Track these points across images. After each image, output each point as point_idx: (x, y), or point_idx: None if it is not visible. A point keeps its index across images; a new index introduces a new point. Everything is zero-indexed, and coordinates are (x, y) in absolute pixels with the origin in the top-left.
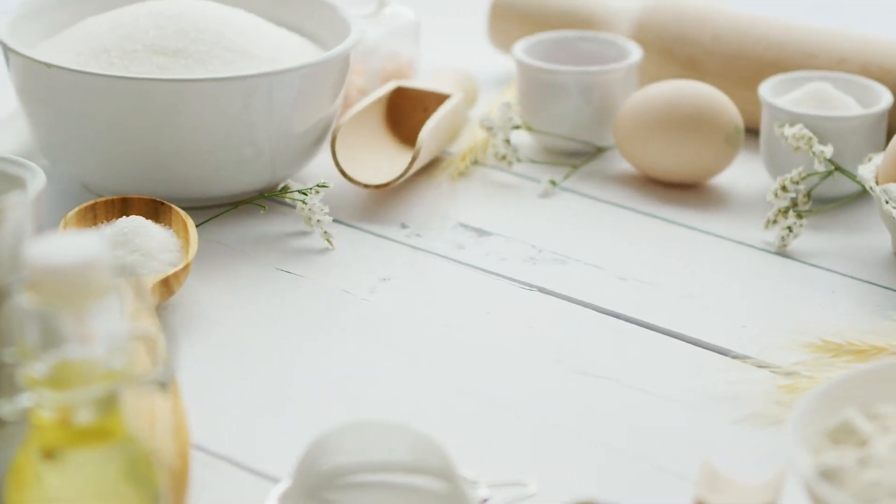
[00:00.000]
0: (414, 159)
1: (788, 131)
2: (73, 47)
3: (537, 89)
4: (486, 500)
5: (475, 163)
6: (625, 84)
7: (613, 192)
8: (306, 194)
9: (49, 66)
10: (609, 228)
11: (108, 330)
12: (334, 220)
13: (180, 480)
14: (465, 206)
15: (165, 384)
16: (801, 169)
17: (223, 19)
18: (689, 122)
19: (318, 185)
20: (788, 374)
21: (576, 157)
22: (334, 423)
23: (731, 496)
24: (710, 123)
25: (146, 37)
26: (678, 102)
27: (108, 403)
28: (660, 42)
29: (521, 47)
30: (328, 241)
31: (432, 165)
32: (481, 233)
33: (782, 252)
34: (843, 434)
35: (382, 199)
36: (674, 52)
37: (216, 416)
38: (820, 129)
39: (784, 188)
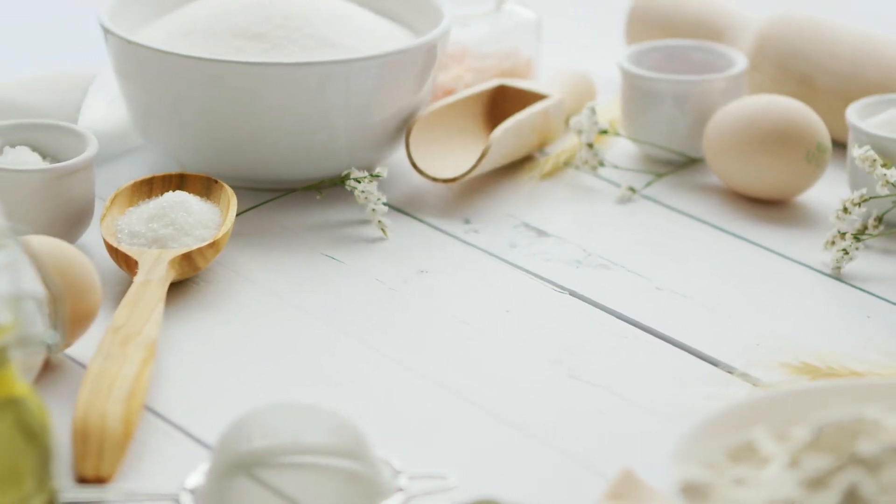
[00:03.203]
0: (482, 157)
1: (856, 152)
2: (167, 28)
3: (634, 96)
4: (400, 490)
5: (563, 165)
6: (725, 96)
7: (694, 204)
8: (360, 182)
9: (129, 42)
10: (672, 239)
11: None
12: (401, 211)
13: (120, 445)
14: (539, 206)
15: (53, 347)
16: (863, 191)
17: (313, 6)
18: (770, 138)
19: (371, 174)
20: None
21: (672, 166)
22: (258, 405)
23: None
24: (791, 140)
25: (233, 20)
26: (760, 117)
27: None
28: (777, 56)
29: (630, 53)
30: (382, 230)
31: (519, 165)
32: (541, 233)
33: (836, 274)
34: (746, 452)
35: (457, 194)
36: (789, 67)
37: (208, 395)
38: (894, 152)
39: (846, 210)
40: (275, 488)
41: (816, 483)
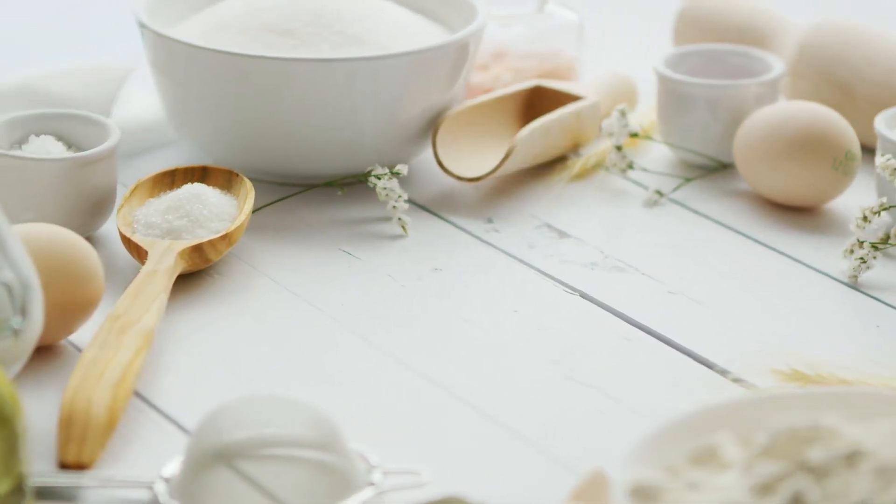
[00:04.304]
0: (506, 157)
1: (878, 160)
2: (202, 24)
3: (668, 100)
4: (371, 484)
5: (593, 168)
6: (759, 101)
7: (721, 210)
8: (380, 178)
9: (160, 35)
10: (693, 243)
11: None
12: (425, 209)
13: (103, 432)
14: (564, 208)
15: (19, 332)
16: (883, 200)
17: (344, 3)
18: (796, 145)
19: (392, 171)
20: None
21: (704, 171)
22: (231, 398)
23: None
24: (818, 147)
25: (264, 16)
26: (788, 124)
27: None
28: (818, 63)
29: (667, 56)
30: (403, 227)
31: (550, 166)
32: (562, 234)
33: (853, 283)
34: (708, 457)
35: (484, 194)
36: (829, 74)
37: (203, 387)
38: None
39: (865, 218)
40: (247, 479)
41: (765, 489)
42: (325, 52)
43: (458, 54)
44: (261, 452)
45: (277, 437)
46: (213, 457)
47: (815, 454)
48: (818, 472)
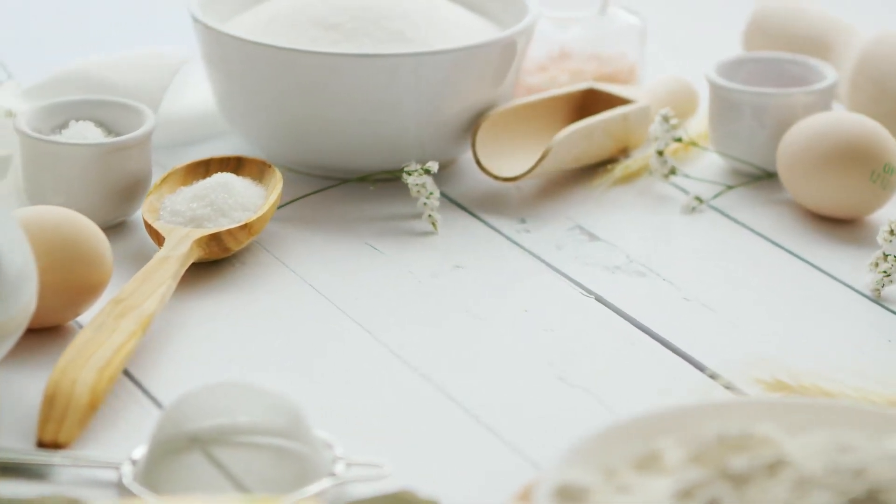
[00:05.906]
0: (542, 158)
1: None
2: (256, 17)
3: (717, 107)
4: (332, 475)
5: (637, 172)
6: (808, 111)
7: (760, 219)
8: (410, 174)
9: (209, 28)
10: (723, 251)
11: None
12: (461, 207)
13: (84, 413)
14: (602, 211)
15: None
16: None
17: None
18: (834, 156)
19: (423, 168)
20: None
21: (750, 178)
22: (194, 386)
23: None
24: (856, 159)
25: (314, 10)
26: (828, 134)
27: None
28: (876, 75)
29: (721, 63)
30: (432, 224)
31: (594, 169)
32: (592, 237)
33: (875, 296)
34: (651, 461)
35: (523, 194)
36: (886, 86)
37: (199, 374)
38: None
39: (892, 231)
40: (208, 464)
41: (685, 495)
42: (366, 47)
43: (505, 52)
44: (223, 438)
45: (239, 423)
46: (176, 442)
47: (737, 462)
48: (738, 480)
